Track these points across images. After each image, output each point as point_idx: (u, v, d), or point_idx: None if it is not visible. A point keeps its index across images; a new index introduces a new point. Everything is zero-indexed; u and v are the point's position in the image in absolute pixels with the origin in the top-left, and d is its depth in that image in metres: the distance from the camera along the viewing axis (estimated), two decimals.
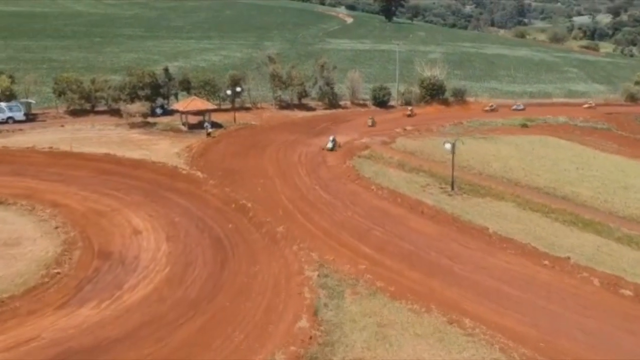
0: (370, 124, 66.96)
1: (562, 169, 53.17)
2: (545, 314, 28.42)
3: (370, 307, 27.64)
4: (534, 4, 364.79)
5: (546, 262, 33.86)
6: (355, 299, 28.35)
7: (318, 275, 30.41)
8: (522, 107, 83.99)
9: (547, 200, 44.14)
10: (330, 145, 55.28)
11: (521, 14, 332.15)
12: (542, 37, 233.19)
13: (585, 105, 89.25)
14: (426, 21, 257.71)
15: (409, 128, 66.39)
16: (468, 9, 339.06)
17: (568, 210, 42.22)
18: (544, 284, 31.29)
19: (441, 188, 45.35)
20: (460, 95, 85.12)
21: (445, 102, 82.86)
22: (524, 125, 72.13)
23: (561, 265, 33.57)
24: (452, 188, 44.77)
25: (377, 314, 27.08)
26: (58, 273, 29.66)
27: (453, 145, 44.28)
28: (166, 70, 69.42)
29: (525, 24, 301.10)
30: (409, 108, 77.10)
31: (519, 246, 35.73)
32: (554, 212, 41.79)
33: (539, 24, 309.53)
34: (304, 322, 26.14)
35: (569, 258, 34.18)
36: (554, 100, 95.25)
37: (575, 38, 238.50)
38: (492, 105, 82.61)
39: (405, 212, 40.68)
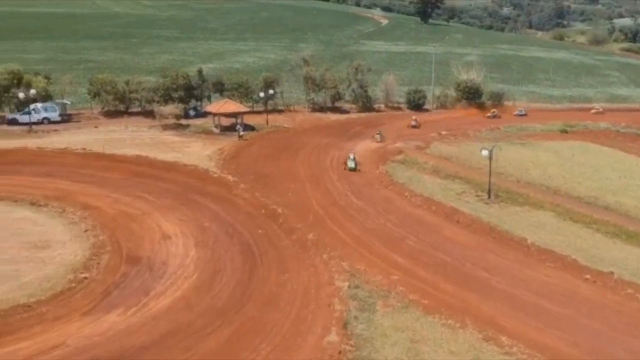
0: (378, 139, 59.11)
1: (603, 177, 51.29)
2: (587, 332, 26.99)
3: (403, 321, 26.58)
4: (573, 5, 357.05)
5: (588, 276, 32.33)
6: (387, 312, 27.33)
7: (349, 286, 29.48)
8: (524, 112, 79.39)
9: (588, 210, 42.48)
10: (351, 165, 48.36)
11: (560, 16, 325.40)
12: (581, 39, 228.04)
13: (593, 111, 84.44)
14: (462, 23, 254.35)
15: (444, 133, 64.95)
16: (505, 10, 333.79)
17: (611, 221, 40.50)
18: (585, 300, 29.81)
19: (477, 196, 44.03)
20: (497, 99, 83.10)
21: (482, 106, 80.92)
22: (564, 131, 70.01)
23: (604, 280, 31.99)
24: (489, 196, 43.42)
25: (409, 328, 26.01)
26: (86, 278, 29.37)
27: (490, 152, 42.93)
28: (200, 72, 69.38)
29: (564, 26, 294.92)
30: (414, 117, 68.99)
31: (558, 259, 34.26)
32: (596, 222, 40.14)
33: (579, 26, 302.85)
34: (333, 336, 25.24)
35: (612, 272, 32.58)
36: (559, 105, 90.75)
37: (616, 40, 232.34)
38: (493, 112, 77.28)
39: (440, 220, 39.51)
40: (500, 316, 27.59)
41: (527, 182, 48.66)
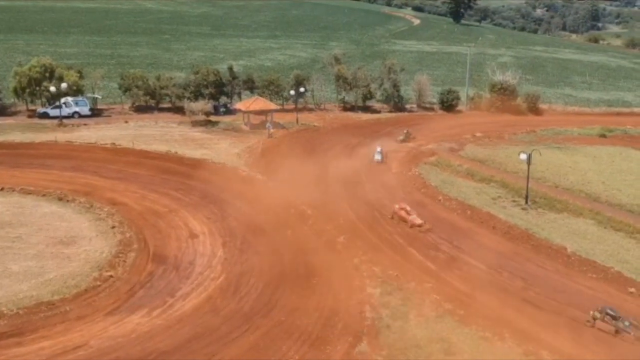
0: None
1: None
2: (635, 353, 25.42)
3: (437, 332, 25.37)
4: (609, 8, 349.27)
5: (632, 289, 30.68)
6: (420, 322, 26.13)
7: (380, 293, 28.35)
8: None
9: (631, 219, 40.47)
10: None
11: (595, 18, 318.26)
12: (617, 42, 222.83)
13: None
14: (494, 24, 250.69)
15: (478, 134, 63.24)
16: (538, 12, 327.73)
17: None
18: (631, 316, 28.13)
19: (514, 201, 42.42)
20: (533, 102, 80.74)
21: (517, 109, 78.63)
22: (602, 136, 67.50)
23: None
24: (527, 202, 41.78)
25: (444, 340, 24.79)
26: (111, 276, 28.75)
27: (529, 156, 41.31)
28: (230, 69, 68.75)
29: (599, 29, 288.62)
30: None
31: (601, 270, 32.62)
32: None
33: (614, 28, 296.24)
34: (364, 346, 24.16)
35: None
36: (597, 109, 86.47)
37: None
38: (406, 132, 58.96)
39: (475, 226, 38.08)
40: (540, 329, 26.14)
41: (565, 188, 46.76)
